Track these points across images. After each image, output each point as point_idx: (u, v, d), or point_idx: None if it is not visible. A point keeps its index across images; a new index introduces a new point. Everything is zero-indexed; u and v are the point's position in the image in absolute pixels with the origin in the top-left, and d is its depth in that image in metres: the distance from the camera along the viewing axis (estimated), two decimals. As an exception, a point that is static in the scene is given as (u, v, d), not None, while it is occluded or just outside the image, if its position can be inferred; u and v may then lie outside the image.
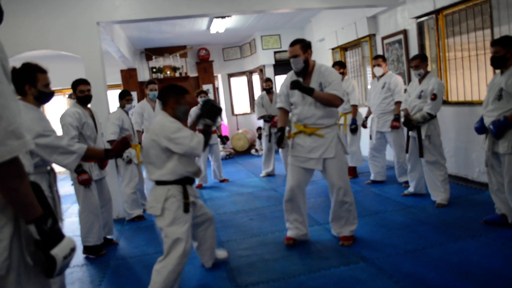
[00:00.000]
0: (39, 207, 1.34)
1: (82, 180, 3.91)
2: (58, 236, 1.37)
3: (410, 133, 4.75)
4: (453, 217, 4.24)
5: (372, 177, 6.04)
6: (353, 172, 6.54)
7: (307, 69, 3.72)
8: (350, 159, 6.41)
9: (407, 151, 4.90)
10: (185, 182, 3.04)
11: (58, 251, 1.34)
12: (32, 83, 2.86)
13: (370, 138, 5.90)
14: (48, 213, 1.37)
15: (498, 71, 3.69)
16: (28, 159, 1.47)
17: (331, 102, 3.62)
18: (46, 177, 2.89)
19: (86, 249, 4.14)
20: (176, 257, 2.93)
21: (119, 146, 3.13)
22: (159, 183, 2.99)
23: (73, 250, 1.40)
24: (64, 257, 1.35)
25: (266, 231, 4.42)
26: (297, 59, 3.66)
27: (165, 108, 3.12)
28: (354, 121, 6.20)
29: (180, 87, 3.19)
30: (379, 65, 5.62)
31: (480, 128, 3.80)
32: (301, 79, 3.72)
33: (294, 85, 3.62)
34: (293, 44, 3.71)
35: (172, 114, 3.10)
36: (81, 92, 4.14)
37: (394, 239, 3.81)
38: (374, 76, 5.87)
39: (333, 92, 3.60)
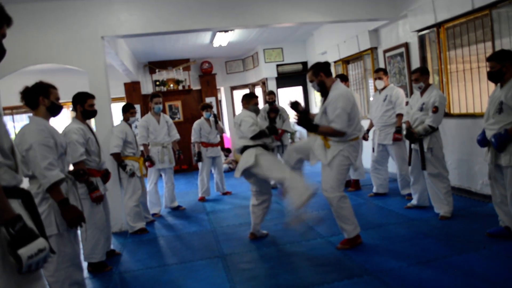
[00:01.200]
0: (11, 211, 1.52)
1: (96, 197, 3.84)
2: (27, 237, 1.53)
3: (413, 145, 4.76)
4: (456, 229, 4.22)
5: (374, 190, 6.03)
6: (355, 185, 6.53)
7: (325, 90, 4.06)
8: (352, 172, 6.42)
9: (409, 164, 4.90)
10: (263, 146, 4.52)
11: (24, 251, 1.50)
12: (45, 95, 3.04)
13: (373, 150, 5.91)
14: (18, 217, 1.54)
15: (498, 84, 3.71)
16: (11, 173, 1.67)
17: (333, 135, 3.97)
18: (63, 185, 2.93)
19: (92, 266, 4.10)
20: (290, 180, 4.12)
21: (74, 215, 2.86)
22: (248, 147, 4.48)
23: (41, 250, 1.55)
24: (29, 257, 1.51)
25: (269, 244, 4.41)
26: (313, 84, 4.13)
27: (243, 107, 4.78)
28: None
29: (249, 93, 4.88)
30: (380, 78, 5.66)
31: (483, 141, 3.80)
32: (308, 113, 4.29)
33: (300, 121, 4.02)
34: (308, 71, 4.25)
35: (248, 109, 4.71)
36: (91, 106, 4.12)
37: (398, 252, 3.80)
38: (376, 89, 5.90)
39: (333, 125, 3.90)
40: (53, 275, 2.87)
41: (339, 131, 3.84)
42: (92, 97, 4.16)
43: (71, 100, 4.14)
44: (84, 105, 4.08)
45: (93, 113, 4.18)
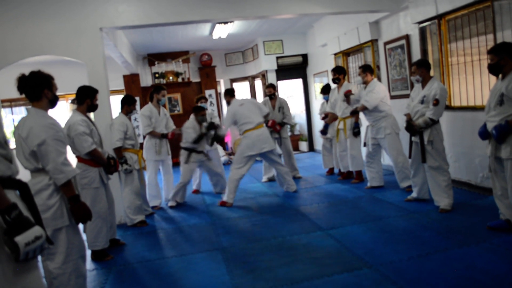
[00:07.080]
0: (6, 200, 1.56)
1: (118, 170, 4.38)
2: (23, 225, 1.56)
3: (413, 138, 4.74)
4: (457, 222, 4.22)
5: (368, 184, 6.04)
6: (358, 176, 6.53)
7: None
8: (351, 163, 6.44)
9: (410, 157, 4.89)
10: None
11: (21, 238, 1.53)
12: (49, 88, 2.94)
13: (365, 145, 5.92)
14: (14, 205, 1.57)
15: (500, 76, 3.69)
16: (5, 164, 1.71)
17: None
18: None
19: (94, 254, 4.22)
20: None
21: (84, 212, 2.88)
22: None
23: (37, 238, 1.58)
24: (26, 244, 1.54)
25: (268, 237, 4.40)
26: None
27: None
28: (356, 125, 6.27)
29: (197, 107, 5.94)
30: (359, 75, 5.81)
31: (484, 133, 3.79)
32: None
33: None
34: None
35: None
36: (96, 101, 4.29)
37: (398, 245, 3.80)
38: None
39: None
40: (61, 267, 2.86)
41: None
42: (98, 92, 4.33)
43: (70, 92, 4.14)
44: (93, 100, 4.24)
45: (96, 107, 4.35)
